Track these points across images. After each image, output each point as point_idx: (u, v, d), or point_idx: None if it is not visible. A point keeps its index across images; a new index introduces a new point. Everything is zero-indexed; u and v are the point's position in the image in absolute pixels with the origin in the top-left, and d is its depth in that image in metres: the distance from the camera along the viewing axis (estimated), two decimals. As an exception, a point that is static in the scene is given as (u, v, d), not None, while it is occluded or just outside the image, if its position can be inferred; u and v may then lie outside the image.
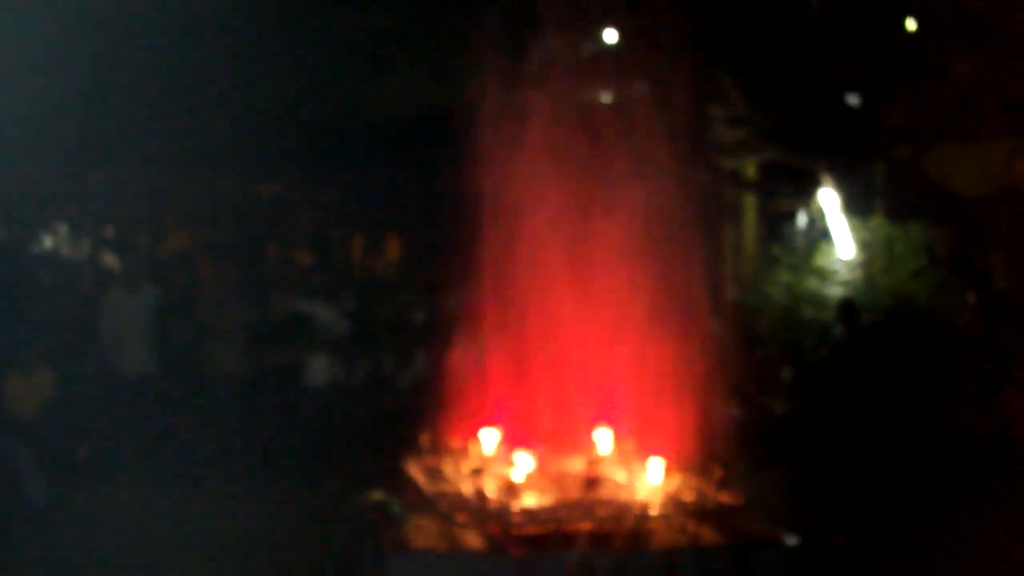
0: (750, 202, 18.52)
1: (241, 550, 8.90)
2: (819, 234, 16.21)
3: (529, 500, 6.81)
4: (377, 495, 7.16)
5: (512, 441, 7.49)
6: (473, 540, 6.45)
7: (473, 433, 7.72)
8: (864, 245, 15.12)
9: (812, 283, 15.02)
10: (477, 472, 7.10)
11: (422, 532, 6.58)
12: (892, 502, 9.98)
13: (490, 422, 7.69)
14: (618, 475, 7.26)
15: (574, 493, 6.98)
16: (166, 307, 12.36)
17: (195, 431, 11.54)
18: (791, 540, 6.59)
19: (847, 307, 13.07)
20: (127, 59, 15.34)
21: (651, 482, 7.00)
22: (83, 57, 14.75)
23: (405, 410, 9.92)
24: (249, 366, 12.28)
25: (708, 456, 7.33)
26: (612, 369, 7.67)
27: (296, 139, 16.87)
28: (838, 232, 15.37)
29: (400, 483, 7.41)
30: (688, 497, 6.95)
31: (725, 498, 7.02)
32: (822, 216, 15.92)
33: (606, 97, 9.65)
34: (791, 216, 18.37)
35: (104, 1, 14.15)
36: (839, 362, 12.59)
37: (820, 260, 15.33)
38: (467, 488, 7.00)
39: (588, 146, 8.10)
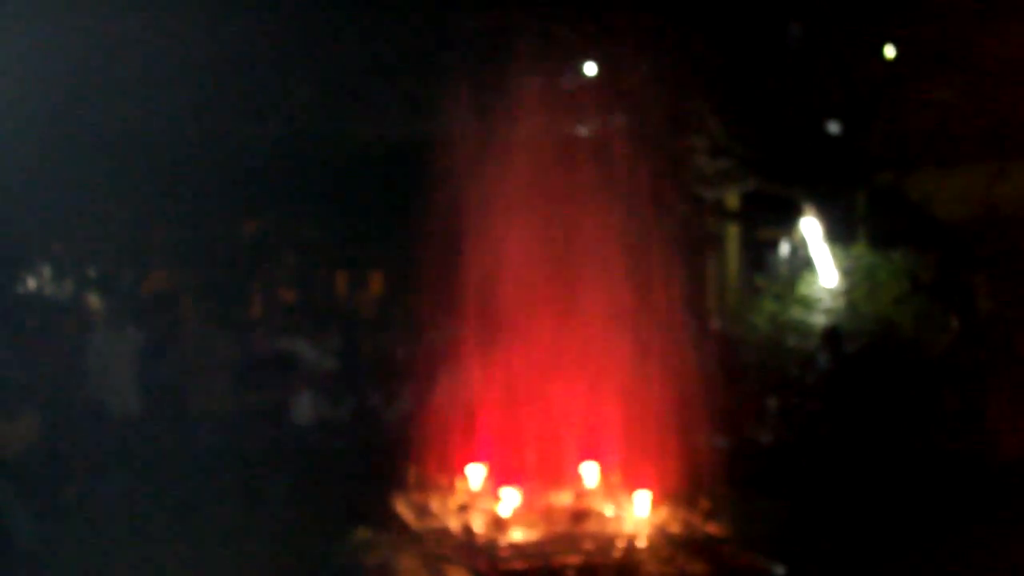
0: (733, 232, 18.60)
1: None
2: (802, 262, 16.23)
3: (516, 535, 6.80)
4: (364, 532, 7.15)
5: (499, 476, 7.48)
6: (461, 575, 6.44)
7: (460, 469, 7.71)
8: (847, 272, 15.14)
9: (796, 312, 15.03)
10: (464, 508, 7.09)
11: (410, 568, 6.56)
12: (878, 530, 9.98)
13: (476, 458, 7.68)
14: (605, 508, 7.26)
15: (562, 527, 6.97)
16: (150, 347, 12.34)
17: (181, 470, 11.48)
18: (778, 570, 6.59)
19: (831, 335, 13.09)
20: (110, 99, 15.36)
21: (638, 515, 7.00)
22: (67, 95, 14.76)
23: (391, 447, 9.89)
24: (234, 405, 12.24)
25: (695, 488, 7.33)
26: (598, 402, 7.66)
27: (278, 177, 16.87)
28: (821, 260, 15.40)
29: (387, 520, 7.40)
30: (675, 529, 6.94)
31: (712, 529, 7.02)
32: (805, 244, 15.95)
33: (586, 129, 9.67)
34: (774, 245, 18.42)
35: (87, 39, 14.18)
36: (825, 390, 12.59)
37: (803, 289, 15.34)
38: (454, 524, 7.00)
39: (569, 179, 8.11)
